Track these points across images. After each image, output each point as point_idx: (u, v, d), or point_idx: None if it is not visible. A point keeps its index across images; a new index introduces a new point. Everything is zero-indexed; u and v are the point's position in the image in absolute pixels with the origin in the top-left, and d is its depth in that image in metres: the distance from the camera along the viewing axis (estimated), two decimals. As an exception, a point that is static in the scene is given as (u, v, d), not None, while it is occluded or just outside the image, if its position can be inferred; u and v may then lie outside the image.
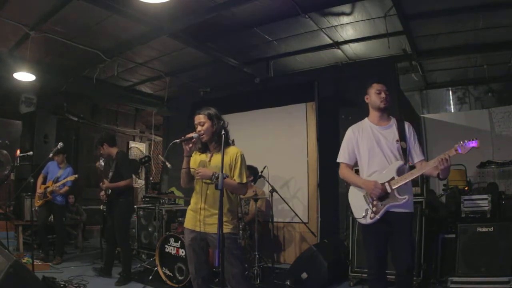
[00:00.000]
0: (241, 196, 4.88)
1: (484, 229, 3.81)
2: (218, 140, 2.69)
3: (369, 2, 4.22)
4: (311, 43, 5.32)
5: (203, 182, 2.75)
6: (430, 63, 5.84)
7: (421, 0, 4.08)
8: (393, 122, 2.88)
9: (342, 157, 2.97)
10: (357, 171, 3.01)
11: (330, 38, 5.14)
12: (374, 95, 2.86)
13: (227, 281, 2.68)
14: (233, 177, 2.74)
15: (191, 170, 2.78)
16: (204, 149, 2.84)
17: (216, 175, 2.58)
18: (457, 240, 3.89)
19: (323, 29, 4.87)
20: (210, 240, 2.72)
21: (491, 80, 6.16)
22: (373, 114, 2.92)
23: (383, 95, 2.83)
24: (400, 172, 2.71)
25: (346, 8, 4.37)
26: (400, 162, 2.72)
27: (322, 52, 5.57)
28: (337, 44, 5.31)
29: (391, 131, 2.83)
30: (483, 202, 4.09)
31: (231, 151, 2.78)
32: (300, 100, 5.94)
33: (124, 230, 4.58)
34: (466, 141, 2.52)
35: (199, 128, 2.76)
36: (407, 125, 2.85)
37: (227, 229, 2.67)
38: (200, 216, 2.73)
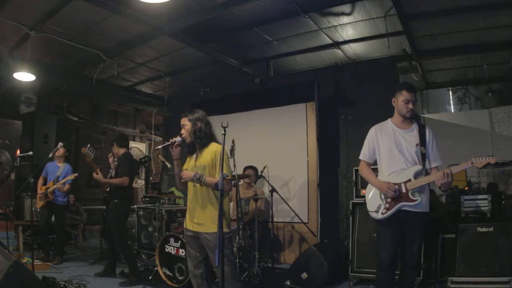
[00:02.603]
0: (241, 196, 4.89)
1: (484, 229, 3.81)
2: (202, 141, 2.84)
3: (369, 2, 4.22)
4: (311, 43, 5.32)
5: (190, 183, 2.86)
6: (430, 63, 5.84)
7: (421, 0, 4.07)
8: (415, 126, 2.98)
9: (363, 154, 3.11)
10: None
11: (330, 38, 5.14)
12: (402, 103, 2.94)
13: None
14: (215, 174, 2.79)
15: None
16: (191, 151, 2.93)
17: (197, 175, 2.70)
18: (457, 240, 3.89)
19: (323, 29, 4.87)
20: (203, 240, 2.78)
21: (491, 80, 6.15)
22: (397, 117, 3.02)
23: (410, 106, 2.91)
24: (417, 176, 2.83)
25: (346, 8, 4.37)
26: (419, 167, 2.85)
27: (322, 52, 5.57)
28: (337, 44, 5.31)
29: (413, 135, 2.94)
30: (483, 202, 4.09)
31: (211, 148, 2.85)
32: (300, 100, 5.94)
33: (119, 232, 4.52)
34: (482, 157, 2.63)
35: (182, 130, 2.88)
36: (427, 131, 2.96)
37: (216, 229, 2.68)
38: (191, 216, 2.84)
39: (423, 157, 2.87)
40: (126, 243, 4.69)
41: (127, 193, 4.66)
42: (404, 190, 2.81)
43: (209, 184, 2.75)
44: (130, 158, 4.78)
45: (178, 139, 2.84)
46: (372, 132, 3.09)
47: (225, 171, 2.67)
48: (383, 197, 2.90)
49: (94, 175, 4.47)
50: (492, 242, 3.74)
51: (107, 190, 4.62)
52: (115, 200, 4.50)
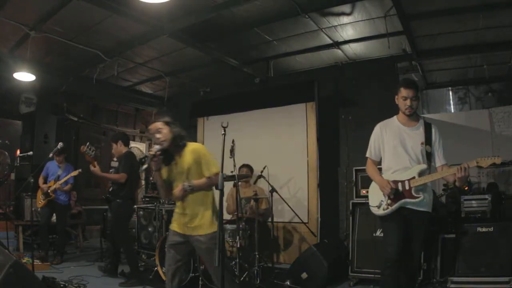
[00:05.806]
0: (241, 196, 4.89)
1: (484, 229, 3.81)
2: (178, 144, 2.72)
3: (369, 2, 4.22)
4: (311, 43, 5.32)
5: None
6: (430, 63, 5.83)
7: (421, 0, 4.07)
8: (421, 124, 2.94)
9: (369, 152, 3.09)
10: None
11: (330, 38, 5.14)
12: (401, 101, 2.91)
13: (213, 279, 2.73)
14: (202, 172, 2.72)
15: (166, 182, 2.80)
16: (168, 158, 2.76)
17: (186, 187, 2.64)
18: (457, 240, 3.89)
19: (323, 29, 4.87)
20: (195, 244, 2.71)
21: (491, 80, 6.15)
22: (402, 114, 2.98)
23: (408, 102, 2.86)
24: (421, 175, 2.79)
25: (346, 8, 4.37)
26: (424, 166, 2.81)
27: (322, 52, 5.57)
28: (337, 44, 5.31)
29: (418, 133, 2.90)
30: (483, 202, 4.08)
31: (189, 148, 2.75)
32: (300, 100, 5.94)
33: (120, 231, 4.50)
34: (488, 157, 2.62)
35: (157, 135, 2.69)
36: (434, 129, 2.91)
37: (212, 228, 2.68)
38: (184, 219, 2.73)
39: (428, 156, 2.82)
40: (128, 242, 4.64)
41: (130, 192, 4.58)
42: (407, 187, 2.77)
43: (201, 187, 2.69)
44: (132, 157, 4.72)
45: (157, 147, 2.65)
46: (377, 129, 3.05)
47: (216, 169, 2.65)
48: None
49: (91, 167, 4.40)
50: (492, 242, 3.74)
51: (110, 190, 4.60)
52: (118, 200, 4.46)
